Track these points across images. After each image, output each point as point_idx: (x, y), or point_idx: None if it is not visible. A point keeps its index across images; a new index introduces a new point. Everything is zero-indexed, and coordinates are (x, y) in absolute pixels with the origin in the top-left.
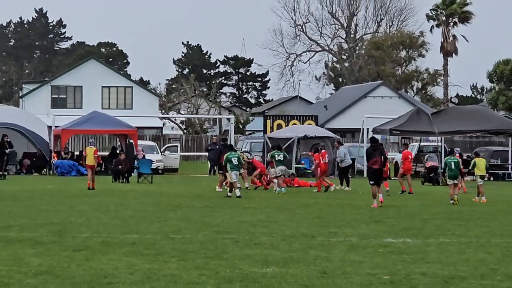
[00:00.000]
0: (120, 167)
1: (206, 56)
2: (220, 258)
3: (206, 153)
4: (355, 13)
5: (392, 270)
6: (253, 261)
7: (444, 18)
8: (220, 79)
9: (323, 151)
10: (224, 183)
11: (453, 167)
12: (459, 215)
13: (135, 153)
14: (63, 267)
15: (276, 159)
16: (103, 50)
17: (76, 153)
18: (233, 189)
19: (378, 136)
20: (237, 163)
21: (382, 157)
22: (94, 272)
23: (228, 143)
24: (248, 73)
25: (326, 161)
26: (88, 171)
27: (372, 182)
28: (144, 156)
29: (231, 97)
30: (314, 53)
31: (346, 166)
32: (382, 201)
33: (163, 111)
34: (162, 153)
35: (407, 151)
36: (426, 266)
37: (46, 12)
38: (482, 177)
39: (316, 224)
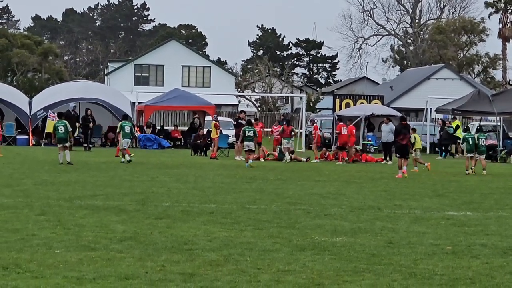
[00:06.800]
0: (198, 141)
1: (280, 39)
2: (293, 227)
3: None
4: (420, 0)
5: (454, 241)
6: (323, 230)
7: (502, 5)
8: (292, 60)
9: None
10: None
11: (470, 142)
12: None
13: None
14: (146, 234)
15: (246, 135)
16: (183, 31)
17: (158, 127)
18: (124, 155)
19: (440, 115)
20: (129, 131)
21: (408, 135)
22: (175, 239)
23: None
24: (318, 55)
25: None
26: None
27: (398, 156)
28: (221, 131)
29: (302, 77)
30: (380, 37)
31: (389, 142)
32: (405, 172)
33: (239, 89)
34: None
35: (351, 126)
36: (486, 237)
37: None
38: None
39: (382, 197)
